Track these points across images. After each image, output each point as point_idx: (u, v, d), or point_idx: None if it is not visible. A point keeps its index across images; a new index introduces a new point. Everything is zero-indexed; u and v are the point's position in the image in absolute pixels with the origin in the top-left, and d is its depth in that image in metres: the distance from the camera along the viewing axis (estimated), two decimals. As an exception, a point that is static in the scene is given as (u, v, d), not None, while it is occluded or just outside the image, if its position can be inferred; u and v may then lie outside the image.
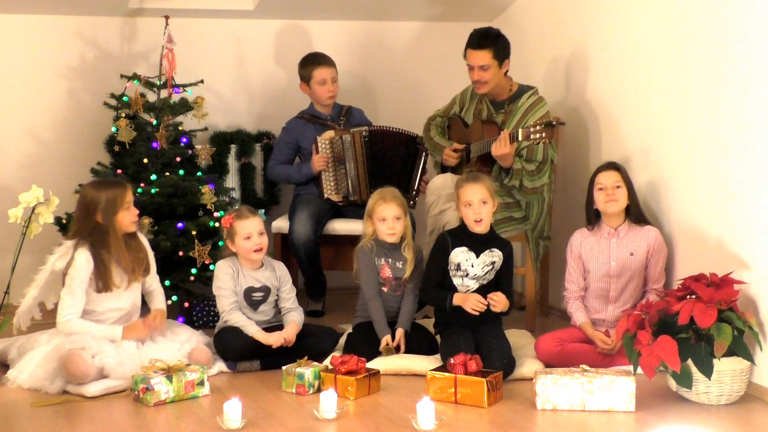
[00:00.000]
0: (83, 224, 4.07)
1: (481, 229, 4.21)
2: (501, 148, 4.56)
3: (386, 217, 4.35)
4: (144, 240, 4.26)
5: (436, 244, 4.30)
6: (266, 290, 4.35)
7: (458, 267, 4.23)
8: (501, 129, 4.80)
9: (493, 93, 4.92)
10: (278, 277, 4.40)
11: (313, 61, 5.36)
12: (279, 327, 4.30)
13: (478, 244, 4.23)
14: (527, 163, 4.71)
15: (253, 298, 4.32)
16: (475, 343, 4.06)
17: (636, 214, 4.27)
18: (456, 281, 4.23)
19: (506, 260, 4.26)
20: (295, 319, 4.32)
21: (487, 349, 4.00)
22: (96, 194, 4.06)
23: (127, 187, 4.14)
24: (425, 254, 4.47)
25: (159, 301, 4.30)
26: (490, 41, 4.81)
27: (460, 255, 4.22)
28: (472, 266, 4.21)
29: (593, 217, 4.31)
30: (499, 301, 4.12)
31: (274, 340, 4.17)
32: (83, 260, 4.01)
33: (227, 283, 4.26)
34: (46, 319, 4.41)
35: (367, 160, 5.25)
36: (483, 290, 4.20)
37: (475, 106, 5.03)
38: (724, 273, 3.74)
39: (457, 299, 4.16)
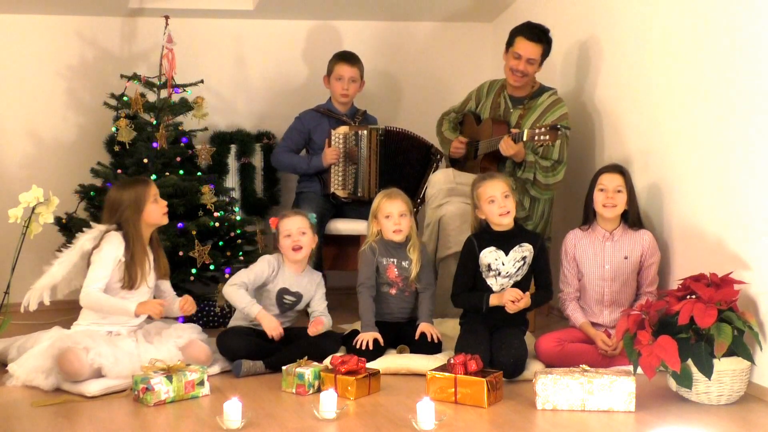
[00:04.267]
0: (110, 220, 4.13)
1: (507, 221, 4.19)
2: (506, 149, 4.57)
3: (391, 213, 4.34)
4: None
5: (464, 249, 4.27)
6: (299, 297, 4.37)
7: (489, 267, 4.21)
8: (510, 128, 4.82)
9: (516, 89, 4.92)
10: (315, 286, 4.42)
11: (338, 57, 5.38)
12: (286, 332, 4.29)
13: (506, 241, 4.21)
14: (542, 159, 4.71)
15: (284, 301, 4.33)
16: (489, 343, 4.05)
17: (633, 219, 4.27)
18: (489, 282, 4.21)
19: (539, 252, 4.24)
20: (322, 318, 4.32)
21: (505, 344, 3.99)
22: (119, 195, 4.14)
23: (149, 182, 4.20)
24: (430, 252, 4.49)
25: (177, 300, 4.30)
26: (546, 38, 4.86)
27: (488, 255, 4.21)
28: (503, 264, 4.20)
29: (590, 216, 4.31)
30: (520, 306, 4.10)
31: (276, 334, 4.16)
32: (116, 241, 4.07)
33: (258, 272, 4.28)
34: (40, 318, 4.42)
35: (379, 159, 5.25)
36: (519, 286, 4.18)
37: (492, 100, 5.03)
38: (724, 273, 3.74)
39: (493, 299, 4.15)
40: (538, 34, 4.84)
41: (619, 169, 4.28)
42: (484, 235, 4.26)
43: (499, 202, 4.17)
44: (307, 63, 5.91)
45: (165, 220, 4.21)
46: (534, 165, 4.66)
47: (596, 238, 4.28)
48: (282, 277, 4.33)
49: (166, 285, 4.31)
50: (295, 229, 4.31)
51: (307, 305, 4.44)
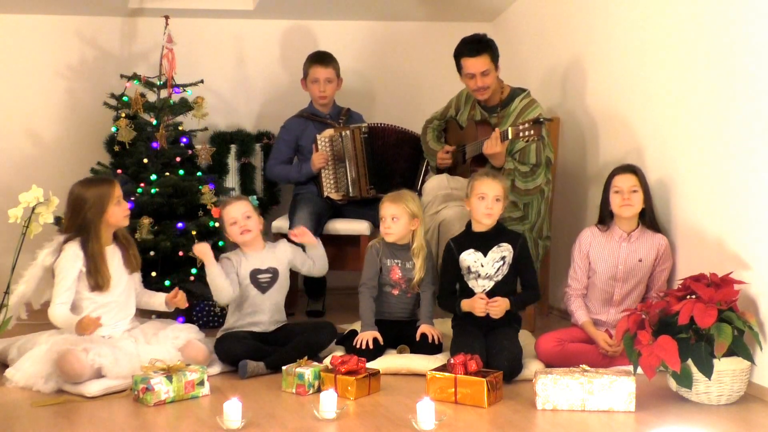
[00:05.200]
0: (72, 222, 4.11)
1: (488, 222, 4.21)
2: (492, 146, 4.58)
3: (384, 215, 4.39)
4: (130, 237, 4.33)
5: (444, 254, 4.33)
6: (274, 272, 4.37)
7: (469, 270, 4.23)
8: (494, 129, 4.82)
9: (487, 98, 4.92)
10: (285, 252, 4.44)
11: (311, 59, 5.37)
12: (282, 331, 4.34)
13: (484, 242, 4.23)
14: (520, 164, 4.71)
15: (260, 280, 4.34)
16: (485, 344, 4.05)
17: (650, 219, 4.26)
18: (471, 284, 4.23)
19: (521, 252, 4.25)
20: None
21: (498, 348, 4.00)
22: (83, 192, 4.10)
23: (114, 183, 4.17)
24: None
25: (158, 293, 4.33)
26: (486, 45, 4.81)
27: (468, 258, 4.23)
28: (482, 266, 4.21)
29: (607, 218, 4.30)
30: (497, 307, 4.11)
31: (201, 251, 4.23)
32: (72, 253, 4.06)
33: (226, 270, 4.31)
34: (39, 319, 4.42)
35: (366, 157, 5.24)
36: (502, 286, 4.20)
37: (468, 110, 5.04)
38: (724, 273, 3.74)
39: (464, 306, 4.18)
40: (476, 47, 4.80)
41: (632, 169, 4.26)
42: (462, 238, 4.29)
43: (487, 203, 4.19)
44: (305, 62, 5.91)
45: (126, 222, 4.20)
46: (513, 172, 4.68)
47: (612, 239, 4.27)
48: (247, 262, 4.35)
49: (135, 279, 4.30)
50: (240, 215, 4.33)
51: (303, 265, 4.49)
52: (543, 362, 4.13)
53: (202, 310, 4.95)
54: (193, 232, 4.84)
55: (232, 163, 5.74)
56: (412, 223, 4.39)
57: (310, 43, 5.87)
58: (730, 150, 3.92)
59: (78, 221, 4.09)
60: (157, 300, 4.31)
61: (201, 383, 3.81)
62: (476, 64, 4.79)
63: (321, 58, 5.35)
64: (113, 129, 5.08)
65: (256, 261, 4.36)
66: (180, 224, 4.86)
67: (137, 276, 4.32)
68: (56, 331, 4.13)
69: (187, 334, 4.18)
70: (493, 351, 3.99)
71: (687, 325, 3.59)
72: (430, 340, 4.26)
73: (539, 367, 4.03)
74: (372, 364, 4.04)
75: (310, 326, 4.38)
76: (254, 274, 4.34)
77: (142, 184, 4.91)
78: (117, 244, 4.20)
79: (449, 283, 4.30)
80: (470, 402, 3.67)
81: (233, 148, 5.74)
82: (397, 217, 4.36)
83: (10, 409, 3.67)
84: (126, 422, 3.55)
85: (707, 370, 3.55)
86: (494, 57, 4.82)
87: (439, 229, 4.80)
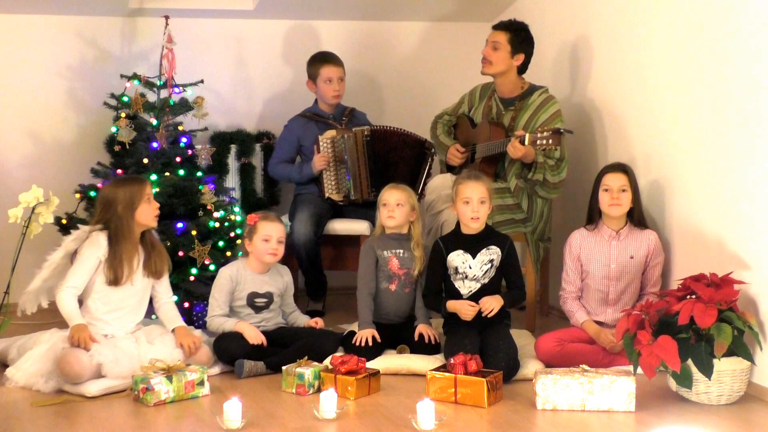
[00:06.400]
0: (101, 216, 4.12)
1: (476, 226, 4.21)
2: (515, 152, 4.57)
3: (388, 201, 4.40)
4: (159, 243, 4.31)
5: (431, 252, 4.33)
6: (269, 296, 4.38)
7: (456, 271, 4.23)
8: (508, 131, 4.81)
9: (503, 90, 4.93)
10: (284, 282, 4.46)
11: (322, 59, 5.37)
12: (285, 332, 4.36)
13: (474, 244, 4.23)
14: (548, 158, 4.71)
15: (255, 303, 4.35)
16: (480, 343, 4.06)
17: (638, 217, 4.27)
18: (457, 284, 4.23)
19: (508, 254, 4.25)
20: (303, 319, 4.47)
21: (493, 349, 4.00)
22: (113, 191, 4.12)
23: (145, 181, 4.19)
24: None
25: (176, 317, 4.27)
26: (510, 26, 4.90)
27: (456, 259, 4.23)
28: (470, 268, 4.22)
29: (595, 216, 4.31)
30: (488, 306, 4.11)
31: (258, 341, 4.18)
32: (95, 241, 4.06)
33: (226, 291, 4.32)
34: (39, 318, 4.43)
35: (368, 160, 5.24)
36: (488, 288, 4.20)
37: (484, 104, 5.03)
38: (724, 273, 3.74)
39: (450, 306, 4.19)
40: (503, 22, 4.92)
41: (623, 168, 4.27)
42: (451, 239, 4.29)
43: (473, 206, 4.18)
44: (307, 63, 5.90)
45: (154, 223, 4.20)
46: (544, 165, 4.66)
47: (602, 238, 4.28)
48: (247, 282, 4.35)
49: (161, 286, 4.28)
50: (276, 237, 4.34)
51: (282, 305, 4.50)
52: (543, 362, 4.13)
53: (202, 310, 4.95)
54: (193, 232, 4.84)
55: (232, 163, 5.74)
56: (411, 214, 4.41)
57: (311, 43, 5.86)
58: (731, 149, 3.92)
59: (108, 217, 4.10)
60: (169, 324, 4.22)
61: (201, 383, 3.81)
62: (493, 34, 4.90)
63: (331, 58, 5.37)
64: (113, 129, 5.08)
65: (256, 283, 4.36)
66: (180, 224, 4.86)
67: (164, 284, 4.28)
68: (57, 331, 4.14)
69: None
70: (489, 352, 3.99)
71: (687, 325, 3.60)
72: (427, 340, 4.26)
73: (539, 367, 4.03)
74: (372, 364, 4.05)
75: (316, 331, 4.37)
76: (251, 297, 4.35)
77: (142, 184, 4.91)
78: (142, 247, 4.20)
79: (436, 283, 4.30)
80: (470, 402, 3.67)
81: (233, 148, 5.73)
82: (402, 203, 4.39)
83: (10, 409, 3.67)
84: (126, 422, 3.55)
85: (707, 370, 3.55)
86: (513, 40, 4.86)
87: (441, 229, 4.80)
